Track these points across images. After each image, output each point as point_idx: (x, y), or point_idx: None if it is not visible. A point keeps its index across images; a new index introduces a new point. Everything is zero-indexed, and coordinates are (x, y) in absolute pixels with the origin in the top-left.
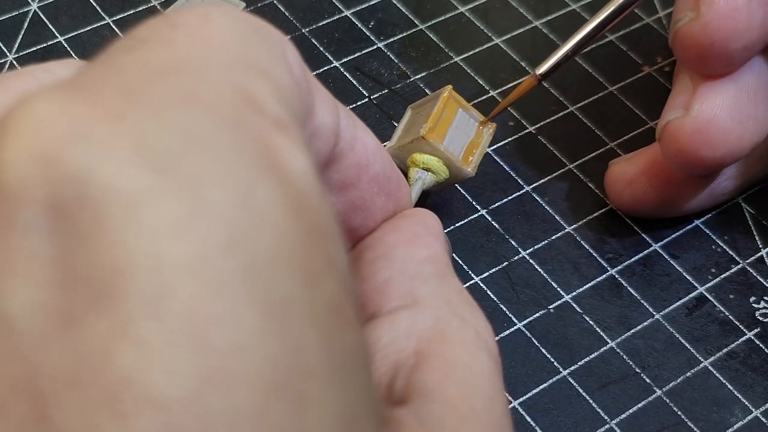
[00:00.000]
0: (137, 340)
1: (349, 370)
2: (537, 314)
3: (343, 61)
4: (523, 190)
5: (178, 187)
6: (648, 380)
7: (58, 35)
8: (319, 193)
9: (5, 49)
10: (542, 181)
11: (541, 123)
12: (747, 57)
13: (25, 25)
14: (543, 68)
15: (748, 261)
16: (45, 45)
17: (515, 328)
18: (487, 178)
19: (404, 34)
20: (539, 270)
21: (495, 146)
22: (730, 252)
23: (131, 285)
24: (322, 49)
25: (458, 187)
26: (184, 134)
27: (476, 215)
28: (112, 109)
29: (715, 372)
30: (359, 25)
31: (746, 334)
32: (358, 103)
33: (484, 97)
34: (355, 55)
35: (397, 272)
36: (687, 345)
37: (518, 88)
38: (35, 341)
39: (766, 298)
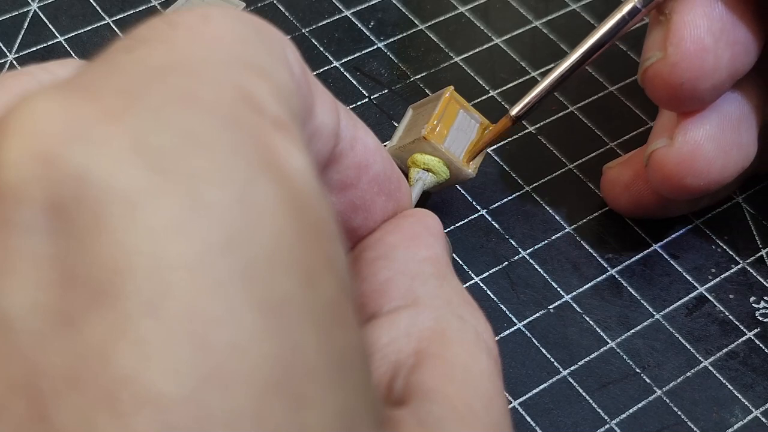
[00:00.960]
0: (136, 340)
1: (347, 370)
2: (537, 314)
3: (343, 61)
4: (523, 190)
5: (177, 187)
6: (648, 380)
7: (58, 35)
8: (318, 193)
9: (5, 49)
10: (542, 181)
11: (541, 123)
12: (717, 95)
13: (25, 25)
14: (516, 109)
15: (748, 261)
16: (45, 45)
17: (515, 328)
18: (487, 178)
19: (404, 34)
20: (539, 270)
21: (495, 146)
22: (730, 252)
23: (130, 284)
24: (322, 49)
25: (458, 187)
26: (183, 134)
27: (476, 215)
28: (111, 108)
29: (715, 372)
30: (359, 25)
31: (746, 334)
32: (358, 103)
33: (484, 98)
34: (355, 55)
35: (397, 272)
36: (687, 345)
37: (493, 129)
38: (34, 341)
39: (766, 298)
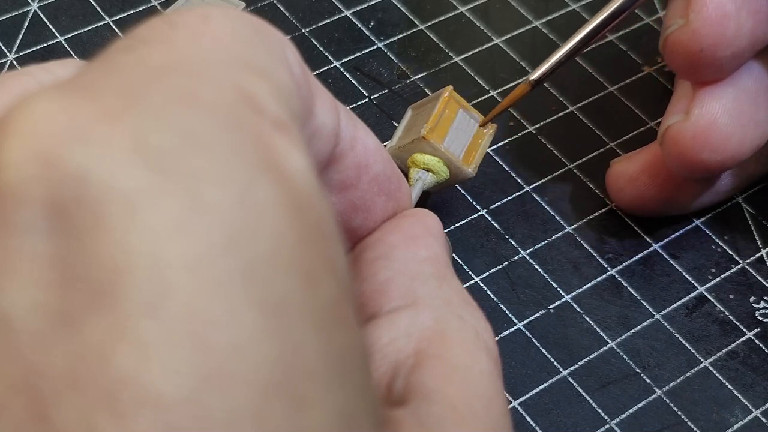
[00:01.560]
0: (136, 340)
1: (347, 370)
2: (537, 314)
3: (343, 61)
4: (523, 190)
5: (177, 187)
6: (648, 380)
7: (58, 35)
8: (318, 194)
9: (5, 49)
10: (542, 181)
11: (541, 123)
12: (736, 65)
13: (25, 25)
14: (536, 74)
15: (748, 261)
16: (45, 45)
17: (515, 328)
18: (487, 178)
19: (404, 34)
20: (539, 270)
21: (495, 146)
22: (730, 252)
23: (130, 285)
24: (322, 49)
25: (458, 187)
26: (184, 134)
27: (476, 215)
28: (111, 108)
29: (715, 372)
30: (359, 25)
31: (746, 334)
32: (358, 103)
33: (484, 98)
34: (355, 55)
35: (397, 272)
36: (687, 345)
37: (511, 93)
38: (34, 341)
39: (766, 298)
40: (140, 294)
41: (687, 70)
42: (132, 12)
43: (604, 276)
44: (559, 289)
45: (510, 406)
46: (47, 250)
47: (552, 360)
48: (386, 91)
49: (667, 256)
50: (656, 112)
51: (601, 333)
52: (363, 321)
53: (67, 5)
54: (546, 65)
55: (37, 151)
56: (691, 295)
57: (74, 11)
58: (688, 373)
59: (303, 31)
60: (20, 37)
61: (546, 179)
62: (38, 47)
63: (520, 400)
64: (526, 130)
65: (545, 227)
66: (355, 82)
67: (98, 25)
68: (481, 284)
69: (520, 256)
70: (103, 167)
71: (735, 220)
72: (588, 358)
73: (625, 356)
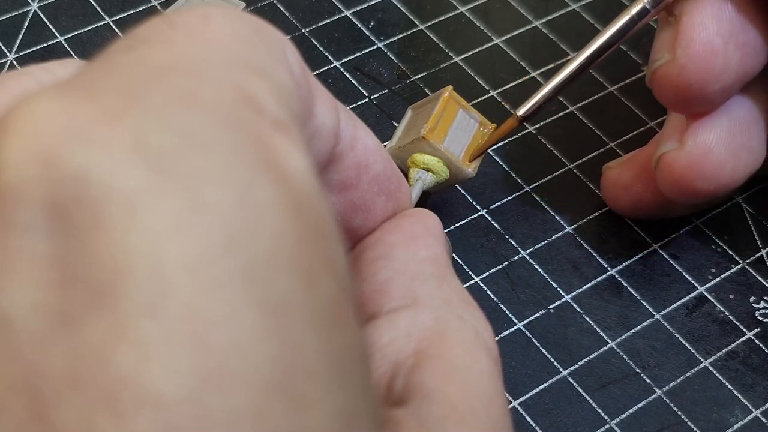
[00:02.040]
0: (136, 340)
1: (347, 370)
2: (537, 314)
3: (343, 61)
4: (523, 190)
5: (177, 187)
6: (648, 380)
7: (58, 35)
8: (318, 194)
9: (5, 49)
10: (542, 181)
11: (541, 123)
12: (725, 98)
13: (25, 25)
14: (523, 110)
15: (748, 261)
16: (45, 45)
17: (515, 328)
18: (487, 178)
19: (404, 34)
20: (539, 270)
21: (495, 146)
22: (730, 252)
23: (130, 285)
24: (322, 49)
25: (458, 187)
26: (184, 134)
27: (476, 215)
28: (111, 108)
29: (715, 372)
30: (359, 25)
31: (746, 334)
32: (358, 103)
33: (484, 98)
34: (355, 55)
35: (397, 272)
36: (687, 345)
37: (499, 129)
38: (34, 341)
39: (766, 298)
40: (140, 294)
41: (676, 104)
42: (132, 12)
43: (604, 276)
44: (559, 289)
45: (510, 406)
46: (47, 250)
47: (552, 360)
48: (386, 91)
49: (667, 256)
50: (656, 112)
51: (601, 333)
52: (363, 321)
53: (67, 5)
54: (533, 100)
55: (37, 151)
56: (691, 295)
57: (74, 11)
58: (688, 373)
59: (303, 31)
60: (20, 37)
61: (546, 179)
62: (38, 47)
63: (520, 400)
64: (526, 130)
65: (545, 227)
66: (355, 82)
67: (98, 25)
68: (481, 284)
69: (520, 256)
70: (103, 167)
71: (735, 220)
72: (588, 358)
73: (625, 356)
